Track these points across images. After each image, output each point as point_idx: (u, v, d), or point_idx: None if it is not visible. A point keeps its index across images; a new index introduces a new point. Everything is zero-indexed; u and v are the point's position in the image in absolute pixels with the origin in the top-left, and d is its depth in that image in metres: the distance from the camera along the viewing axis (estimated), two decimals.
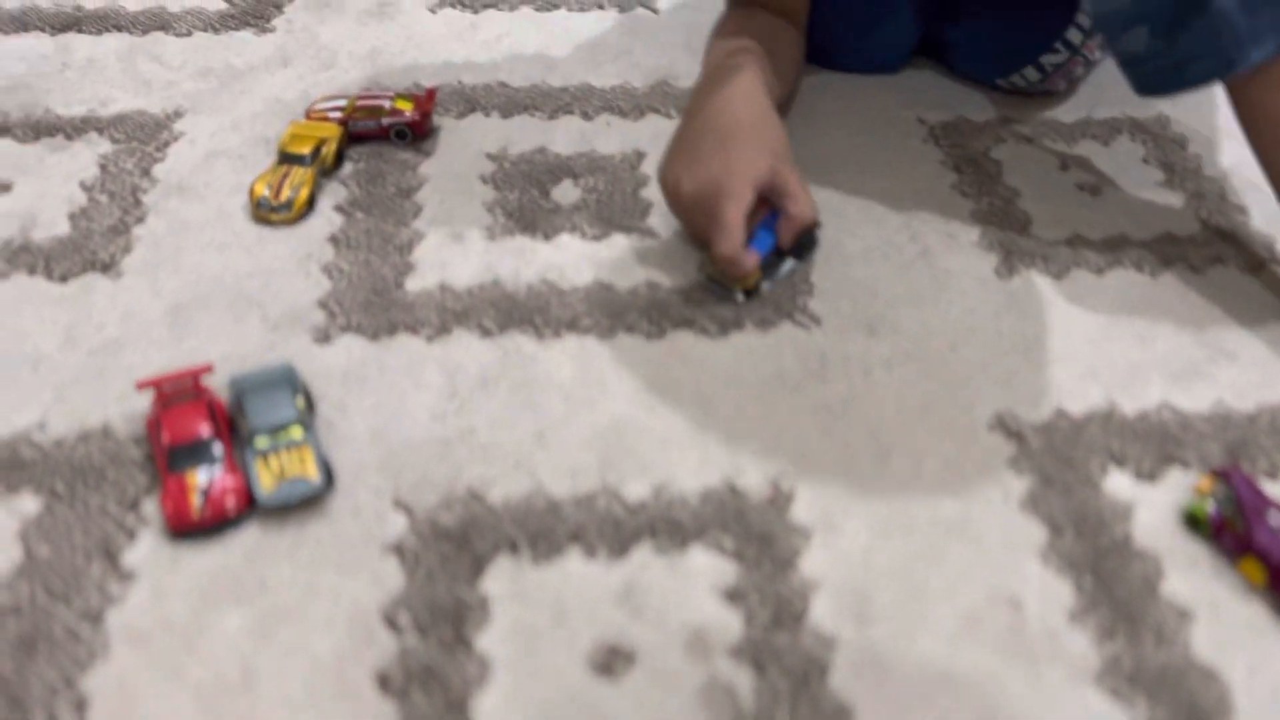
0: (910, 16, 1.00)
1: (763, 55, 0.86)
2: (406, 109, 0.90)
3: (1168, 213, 0.88)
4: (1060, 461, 0.67)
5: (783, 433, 0.69)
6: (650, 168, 0.91)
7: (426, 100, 0.92)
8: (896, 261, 0.82)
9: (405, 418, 0.69)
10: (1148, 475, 0.67)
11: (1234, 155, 0.94)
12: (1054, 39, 0.93)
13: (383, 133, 0.91)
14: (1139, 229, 0.86)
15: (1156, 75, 0.77)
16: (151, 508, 0.63)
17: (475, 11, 1.10)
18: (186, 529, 0.61)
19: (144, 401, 0.68)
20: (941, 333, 0.76)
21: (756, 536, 0.63)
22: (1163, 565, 0.62)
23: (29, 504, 0.63)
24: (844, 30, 1.00)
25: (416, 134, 0.91)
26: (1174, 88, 0.77)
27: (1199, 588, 0.61)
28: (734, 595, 0.60)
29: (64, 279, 0.78)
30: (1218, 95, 1.00)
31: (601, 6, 1.12)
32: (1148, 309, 0.79)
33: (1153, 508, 0.65)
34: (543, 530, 0.63)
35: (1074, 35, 0.93)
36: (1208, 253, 0.83)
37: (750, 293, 0.78)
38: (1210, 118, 0.98)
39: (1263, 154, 0.78)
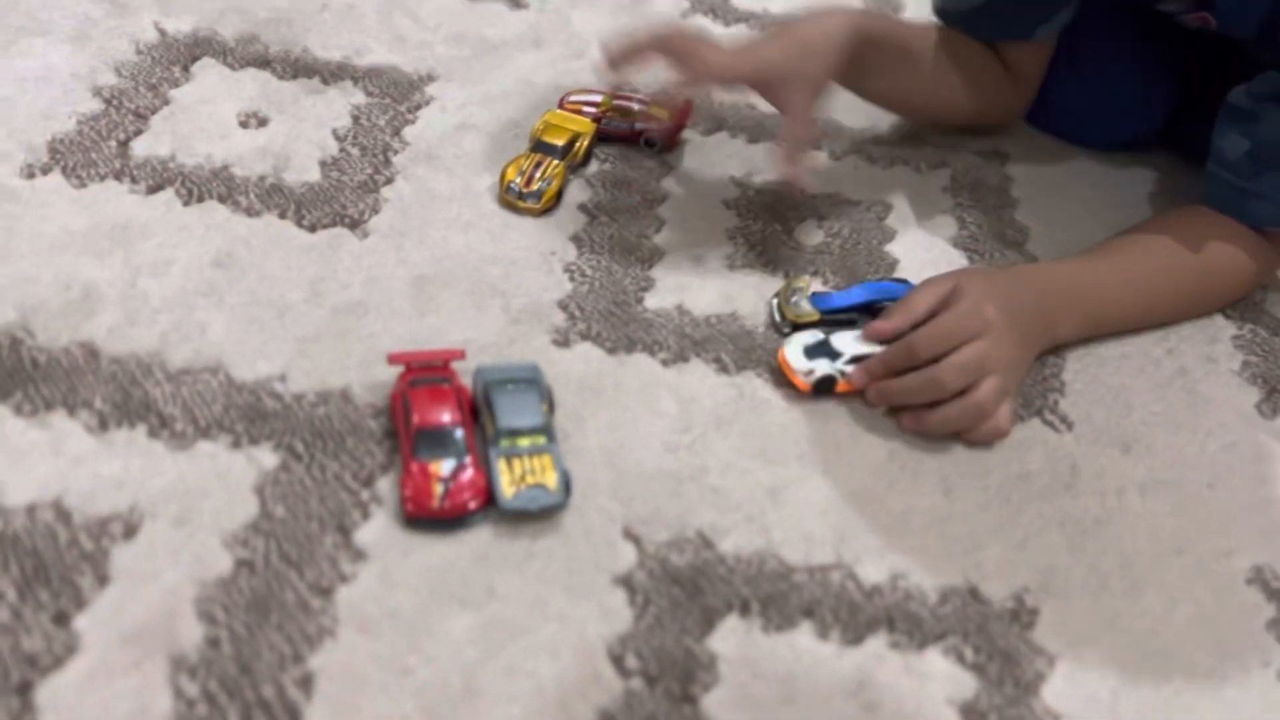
0: (1165, 92, 0.94)
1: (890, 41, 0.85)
2: (662, 117, 0.88)
3: None
4: None
5: (1028, 541, 0.65)
6: (895, 220, 0.88)
7: (683, 113, 0.90)
8: (1153, 376, 0.77)
9: (638, 442, 0.67)
10: None
11: None
12: None
13: (633, 136, 0.89)
14: None
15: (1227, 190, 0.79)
16: (387, 486, 0.61)
17: (726, 24, 1.08)
18: (424, 517, 0.59)
19: (386, 372, 0.67)
20: (1199, 465, 0.71)
21: (999, 653, 0.59)
22: None
23: (268, 457, 0.62)
24: (1091, 98, 0.95)
25: (665, 145, 0.89)
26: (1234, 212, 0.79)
27: None
28: (972, 712, 0.56)
29: (313, 229, 0.77)
30: None
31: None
32: None
33: None
34: (775, 596, 0.60)
35: None
36: None
37: (797, 327, 0.75)
38: None
39: None
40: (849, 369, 0.71)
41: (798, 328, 0.75)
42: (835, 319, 0.75)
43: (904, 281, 0.79)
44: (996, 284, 0.73)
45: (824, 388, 0.71)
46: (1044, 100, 0.96)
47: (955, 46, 0.88)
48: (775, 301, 0.77)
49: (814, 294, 0.77)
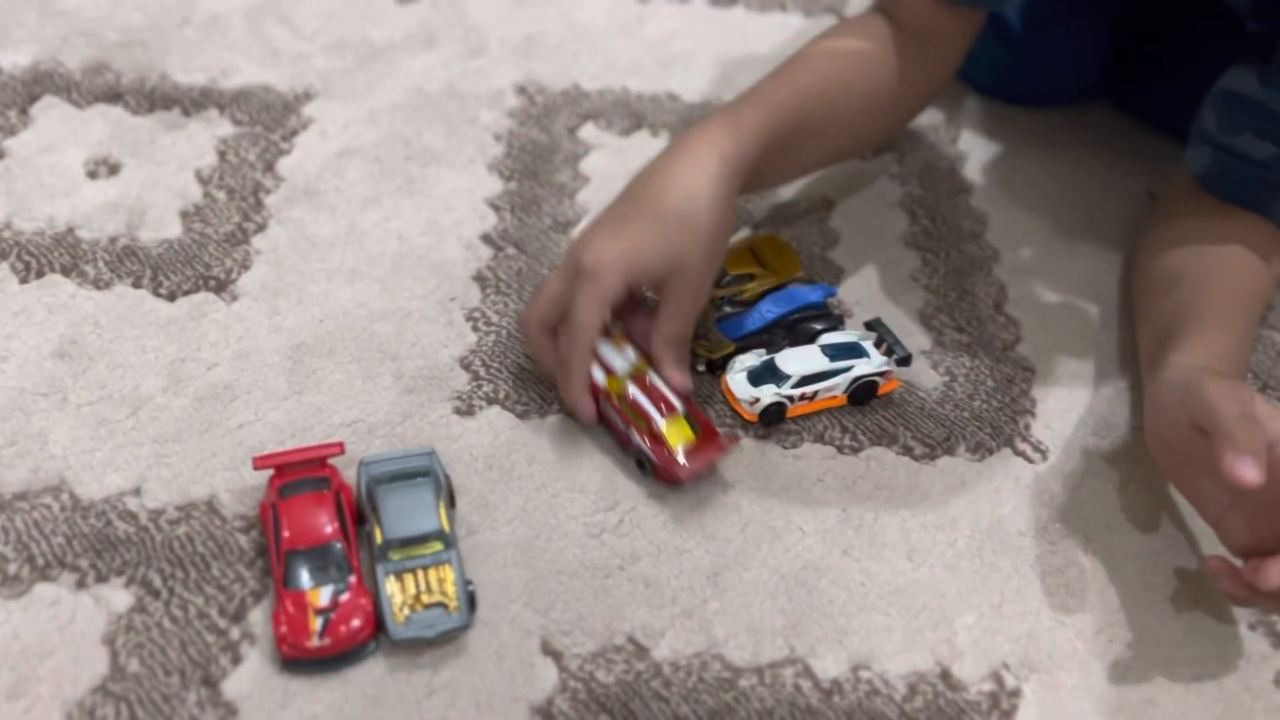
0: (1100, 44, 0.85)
1: (774, 120, 0.65)
2: (674, 444, 0.60)
3: None
4: None
5: (1006, 605, 0.57)
6: (839, 220, 0.79)
7: (707, 447, 0.60)
8: (1132, 382, 0.69)
9: (557, 530, 0.58)
10: None
11: None
12: None
13: (625, 443, 0.61)
14: None
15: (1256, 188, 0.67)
16: (260, 618, 0.53)
17: (642, 2, 0.97)
18: (302, 659, 0.51)
19: (257, 473, 0.58)
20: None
21: None
22: None
23: (119, 597, 0.53)
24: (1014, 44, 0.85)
25: (662, 479, 0.60)
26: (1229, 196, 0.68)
27: None
28: None
29: (172, 297, 0.67)
30: None
31: (784, 8, 0.98)
32: None
33: None
34: (720, 711, 0.52)
35: None
36: None
37: (713, 365, 0.66)
38: None
39: None
40: (797, 392, 0.63)
41: (713, 365, 0.66)
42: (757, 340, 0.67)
43: (817, 284, 0.70)
44: None
45: (772, 417, 0.63)
46: (984, 65, 0.86)
47: (863, 66, 0.71)
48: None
49: (720, 320, 0.68)
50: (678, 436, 0.60)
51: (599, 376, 0.61)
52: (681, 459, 0.59)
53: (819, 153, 0.72)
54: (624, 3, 0.97)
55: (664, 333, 0.62)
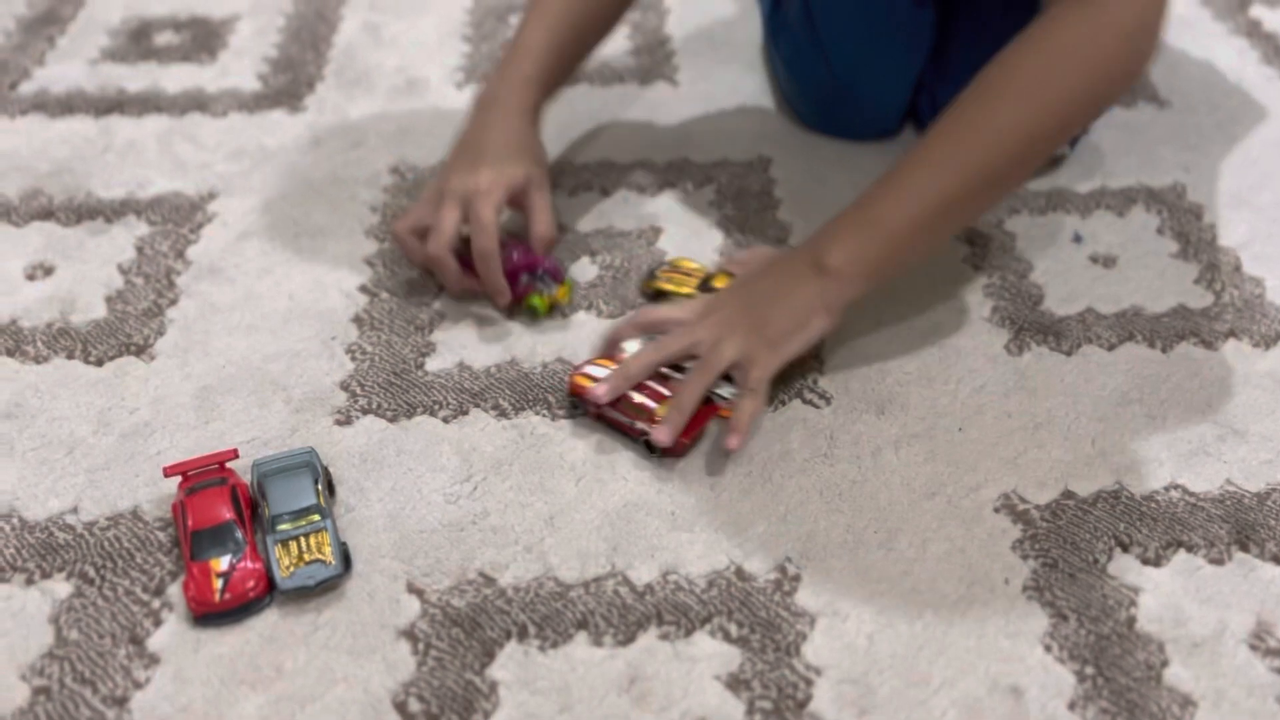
0: (908, 70, 1.01)
1: (544, 62, 0.89)
2: (670, 420, 0.72)
3: (1181, 285, 0.88)
4: (1065, 544, 0.68)
5: (790, 514, 0.70)
6: (666, 242, 0.93)
7: (694, 423, 0.73)
8: (907, 339, 0.83)
9: (420, 501, 0.71)
10: (1153, 559, 0.67)
11: (1250, 226, 0.94)
12: None
13: (632, 433, 0.74)
14: (1152, 302, 0.86)
15: None
16: (177, 591, 0.65)
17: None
18: (209, 613, 0.63)
19: (172, 485, 0.71)
20: (950, 413, 0.77)
21: (761, 623, 0.64)
22: (1166, 652, 0.62)
23: (61, 588, 0.66)
24: (836, 87, 1.01)
25: (666, 454, 0.73)
26: None
27: (1203, 676, 0.61)
28: (737, 683, 0.61)
29: (99, 362, 0.81)
30: (1231, 165, 1.01)
31: (622, 80, 1.15)
32: (1159, 386, 0.79)
33: (1158, 593, 0.65)
34: (550, 616, 0.64)
35: None
36: (1221, 327, 0.84)
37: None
38: (1227, 186, 0.99)
39: None
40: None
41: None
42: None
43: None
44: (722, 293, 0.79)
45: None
46: (807, 101, 1.03)
47: None
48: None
49: None
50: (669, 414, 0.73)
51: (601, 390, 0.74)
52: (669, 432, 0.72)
53: (581, 61, 0.95)
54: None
55: (540, 232, 0.85)
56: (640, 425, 0.73)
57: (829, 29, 0.99)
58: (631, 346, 0.78)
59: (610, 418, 0.75)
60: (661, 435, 0.72)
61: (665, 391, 0.75)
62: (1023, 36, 0.72)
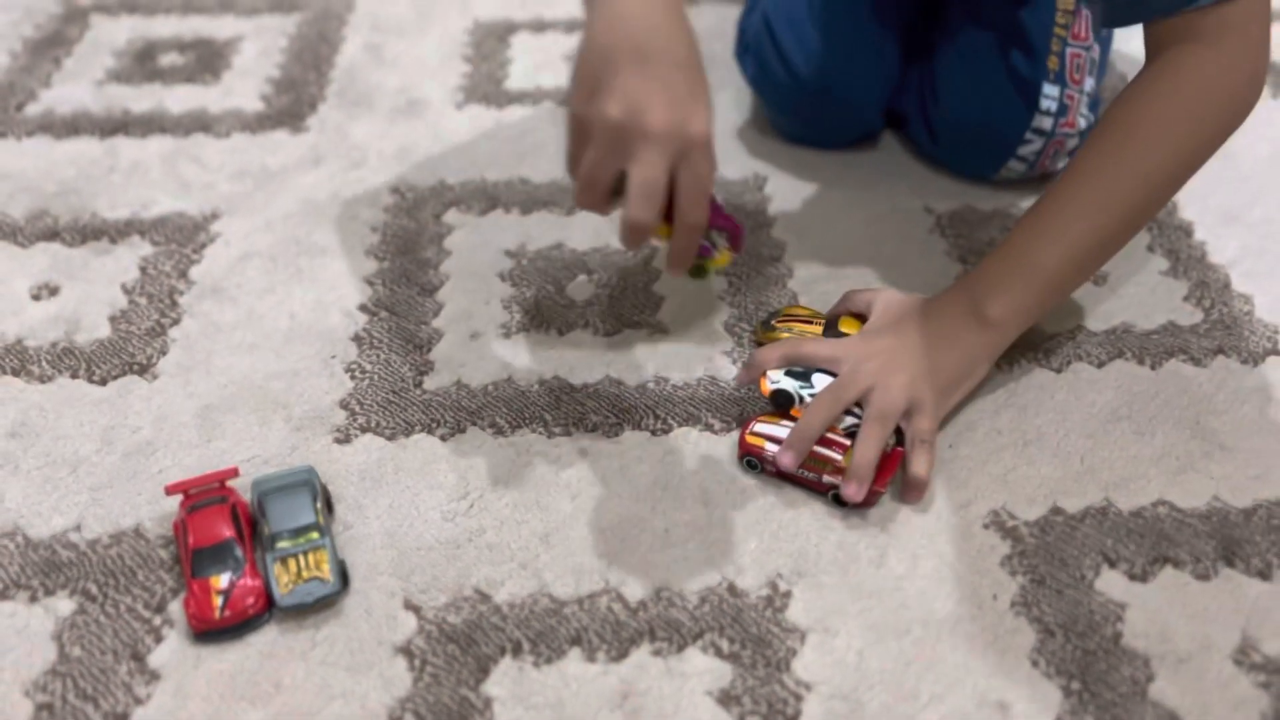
0: (883, 68, 1.02)
1: None
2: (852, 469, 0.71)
3: (1171, 302, 0.89)
4: (1053, 560, 0.69)
5: (782, 531, 0.71)
6: (662, 261, 0.94)
7: (884, 471, 0.73)
8: None
9: (418, 519, 0.72)
10: (1140, 575, 0.68)
11: (1239, 243, 0.95)
12: (1022, 130, 0.96)
13: (820, 488, 0.73)
14: (1142, 319, 0.87)
15: (1123, 6, 0.76)
16: (178, 608, 0.66)
17: (500, 107, 1.15)
18: (209, 629, 0.64)
19: (174, 503, 0.72)
20: (941, 432, 0.78)
21: (752, 639, 0.65)
22: (1152, 667, 0.63)
23: (64, 605, 0.67)
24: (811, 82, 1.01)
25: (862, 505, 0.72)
26: (1137, 18, 0.76)
27: (1188, 691, 0.62)
28: (728, 699, 0.62)
29: (103, 382, 0.82)
30: (1222, 182, 1.02)
31: None
32: (1148, 402, 0.80)
33: (1145, 608, 0.66)
34: (545, 632, 0.65)
35: (1044, 122, 0.95)
36: (1209, 344, 0.85)
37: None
38: (1218, 204, 1.00)
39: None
40: (809, 395, 0.75)
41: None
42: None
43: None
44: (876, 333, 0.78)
45: (780, 400, 0.75)
46: (787, 116, 1.04)
47: None
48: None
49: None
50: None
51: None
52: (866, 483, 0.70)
53: None
54: (484, 112, 1.14)
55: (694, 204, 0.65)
56: (828, 479, 0.72)
57: (788, 37, 1.01)
58: (776, 375, 0.76)
59: (796, 476, 0.73)
60: (852, 492, 0.70)
61: (844, 441, 0.73)
62: (1151, 79, 0.75)
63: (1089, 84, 0.96)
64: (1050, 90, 0.94)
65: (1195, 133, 0.75)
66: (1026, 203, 0.99)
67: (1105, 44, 1.00)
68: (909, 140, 1.07)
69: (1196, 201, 1.00)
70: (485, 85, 1.18)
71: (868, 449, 0.71)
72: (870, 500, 0.72)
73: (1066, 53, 0.95)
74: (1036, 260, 0.76)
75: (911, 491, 0.72)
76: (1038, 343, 0.84)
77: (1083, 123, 0.96)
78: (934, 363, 0.75)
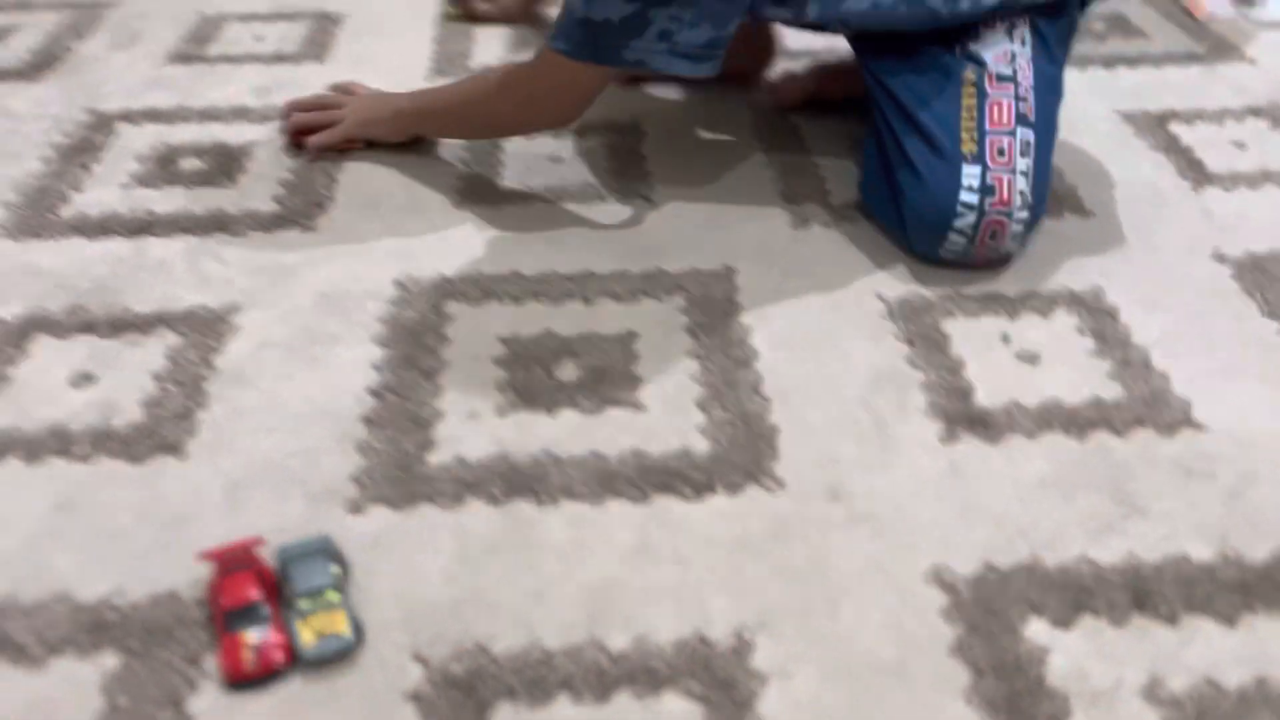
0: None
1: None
2: None
3: (1098, 379, 0.99)
4: (987, 611, 0.78)
5: (748, 588, 0.80)
6: (642, 346, 1.04)
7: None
8: (854, 431, 0.94)
9: (423, 580, 0.81)
10: (1063, 623, 0.77)
11: (1160, 326, 1.06)
12: (953, 202, 1.08)
13: None
14: (1072, 395, 0.98)
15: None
16: (212, 662, 0.75)
17: (494, 207, 1.26)
18: (240, 680, 0.73)
19: (206, 569, 0.80)
20: (890, 497, 0.87)
21: (720, 683, 0.73)
22: (1071, 705, 0.72)
23: (110, 660, 0.75)
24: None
25: None
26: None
27: None
28: None
29: (139, 461, 0.91)
30: (1146, 270, 1.13)
31: (603, 198, 1.28)
32: (1074, 470, 0.90)
33: (1066, 652, 0.75)
34: (537, 679, 0.74)
35: (969, 197, 1.07)
36: (1130, 416, 0.95)
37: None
38: (1141, 290, 1.11)
39: None
40: None
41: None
42: None
43: None
44: None
45: None
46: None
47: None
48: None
49: None
50: None
51: None
52: None
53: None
54: (479, 210, 1.25)
55: None
56: None
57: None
58: None
59: None
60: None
61: None
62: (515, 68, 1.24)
63: (1023, 164, 1.08)
64: (970, 169, 1.07)
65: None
66: (969, 292, 1.10)
67: (1043, 130, 1.12)
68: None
69: (1122, 288, 1.11)
70: (479, 186, 1.29)
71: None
72: None
73: (985, 139, 1.08)
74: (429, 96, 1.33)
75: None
76: (976, 417, 0.95)
77: (1019, 200, 1.08)
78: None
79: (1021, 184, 1.08)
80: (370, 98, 1.36)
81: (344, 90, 1.40)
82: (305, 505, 0.87)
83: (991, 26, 1.12)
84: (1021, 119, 1.09)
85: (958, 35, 1.12)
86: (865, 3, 1.11)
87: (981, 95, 1.09)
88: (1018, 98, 1.10)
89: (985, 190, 1.07)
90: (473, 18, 1.68)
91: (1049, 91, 1.13)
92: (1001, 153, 1.08)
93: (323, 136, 1.32)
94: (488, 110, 1.25)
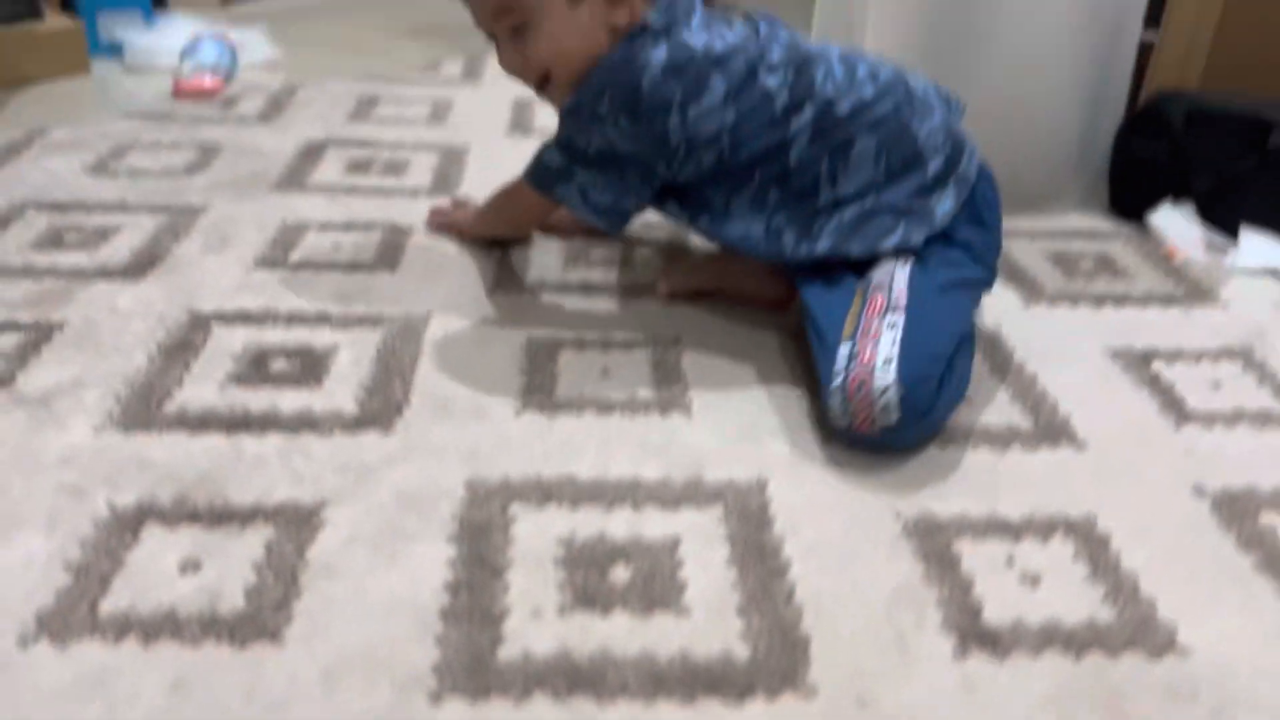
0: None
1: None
2: None
3: (1092, 602, 1.12)
4: None
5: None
6: (685, 552, 1.17)
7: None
8: (874, 645, 1.06)
9: None
10: None
11: (1147, 554, 1.19)
12: (829, 370, 1.33)
13: None
14: (1069, 615, 1.10)
15: None
16: None
17: (550, 416, 1.41)
18: None
19: None
20: (911, 707, 0.99)
21: None
22: None
23: None
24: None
25: None
26: None
27: None
28: None
29: (244, 644, 1.03)
30: (1137, 499, 1.27)
31: (647, 410, 1.43)
32: (1070, 687, 1.01)
33: None
34: None
35: (840, 364, 1.32)
36: (1121, 638, 1.07)
37: None
38: (1130, 519, 1.24)
39: None
40: None
41: None
42: None
43: None
44: None
45: None
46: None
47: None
48: None
49: None
50: None
51: None
52: None
53: None
54: (538, 418, 1.40)
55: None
56: None
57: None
58: None
59: None
60: None
61: None
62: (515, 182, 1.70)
63: (888, 335, 1.31)
64: (843, 348, 1.32)
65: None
66: (975, 516, 1.23)
67: (915, 314, 1.35)
68: None
69: (1114, 517, 1.24)
70: (538, 395, 1.45)
71: None
72: None
73: (859, 325, 1.34)
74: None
75: None
76: (985, 635, 1.06)
77: (880, 361, 1.28)
78: None
79: (886, 351, 1.30)
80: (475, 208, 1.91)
81: (460, 204, 1.98)
82: (392, 693, 0.99)
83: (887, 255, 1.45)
84: (893, 308, 1.35)
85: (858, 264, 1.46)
86: (738, 232, 1.48)
87: (864, 301, 1.38)
88: (890, 292, 1.37)
89: (851, 357, 1.32)
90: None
91: (926, 289, 1.39)
92: (868, 331, 1.33)
93: (444, 219, 1.92)
94: (510, 208, 1.78)
